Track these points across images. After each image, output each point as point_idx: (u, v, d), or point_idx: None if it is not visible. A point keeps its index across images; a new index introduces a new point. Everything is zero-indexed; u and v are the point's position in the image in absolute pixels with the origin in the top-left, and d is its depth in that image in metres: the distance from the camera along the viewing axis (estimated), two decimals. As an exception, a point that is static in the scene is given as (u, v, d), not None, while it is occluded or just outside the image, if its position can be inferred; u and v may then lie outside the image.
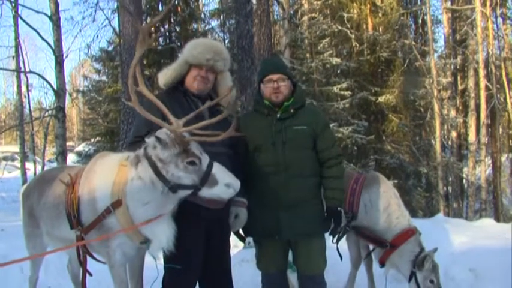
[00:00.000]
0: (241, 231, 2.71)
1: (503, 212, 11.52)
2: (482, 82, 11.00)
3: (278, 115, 2.61)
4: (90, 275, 2.52)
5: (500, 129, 12.96)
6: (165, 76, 2.52)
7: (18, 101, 12.39)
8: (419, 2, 13.76)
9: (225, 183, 2.10)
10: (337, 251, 3.00)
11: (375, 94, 11.12)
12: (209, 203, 2.26)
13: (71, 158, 12.54)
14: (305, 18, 11.59)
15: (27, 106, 12.86)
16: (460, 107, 13.54)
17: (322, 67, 10.85)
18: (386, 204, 3.22)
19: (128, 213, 2.19)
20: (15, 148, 17.18)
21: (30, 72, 11.64)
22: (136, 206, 2.18)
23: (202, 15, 12.85)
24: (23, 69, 11.72)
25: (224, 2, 13.66)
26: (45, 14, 9.54)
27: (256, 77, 3.77)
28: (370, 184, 3.29)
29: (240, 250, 4.32)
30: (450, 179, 12.33)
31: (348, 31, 11.28)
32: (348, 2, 11.75)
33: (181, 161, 2.08)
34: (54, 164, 11.31)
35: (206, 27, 12.86)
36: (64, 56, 9.80)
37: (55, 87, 9.34)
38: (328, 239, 2.80)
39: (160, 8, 11.24)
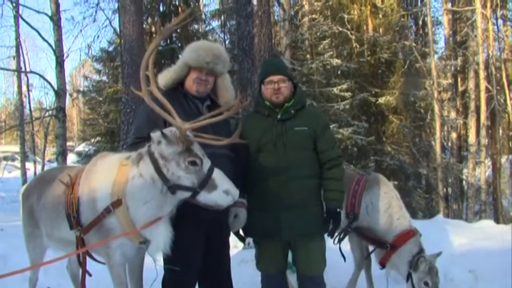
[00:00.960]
0: (241, 232, 2.71)
1: (503, 213, 11.49)
2: (483, 83, 10.97)
3: (279, 116, 2.62)
4: (90, 275, 2.52)
5: (500, 131, 12.94)
6: (165, 78, 2.53)
7: (19, 101, 12.36)
8: (419, 4, 13.75)
9: (223, 190, 2.10)
10: (340, 251, 3.01)
11: (375, 95, 11.10)
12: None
13: (71, 158, 12.51)
14: (306, 19, 11.57)
15: (28, 106, 12.83)
16: (460, 109, 13.51)
17: (323, 68, 10.83)
18: (387, 206, 3.24)
19: (128, 213, 2.19)
20: (16, 148, 17.14)
21: (31, 72, 11.66)
22: (136, 205, 2.18)
23: (203, 16, 12.85)
24: (23, 69, 11.72)
25: (225, 2, 13.64)
26: (46, 14, 9.53)
27: (256, 78, 3.78)
28: (372, 185, 3.31)
29: (239, 251, 4.32)
30: (450, 180, 12.30)
31: (349, 32, 11.25)
32: (349, 3, 11.73)
33: (183, 160, 2.08)
34: (54, 164, 11.31)
35: (207, 28, 12.86)
36: (65, 56, 9.77)
37: (55, 87, 9.32)
38: (329, 239, 2.80)
39: (160, 8, 11.24)
